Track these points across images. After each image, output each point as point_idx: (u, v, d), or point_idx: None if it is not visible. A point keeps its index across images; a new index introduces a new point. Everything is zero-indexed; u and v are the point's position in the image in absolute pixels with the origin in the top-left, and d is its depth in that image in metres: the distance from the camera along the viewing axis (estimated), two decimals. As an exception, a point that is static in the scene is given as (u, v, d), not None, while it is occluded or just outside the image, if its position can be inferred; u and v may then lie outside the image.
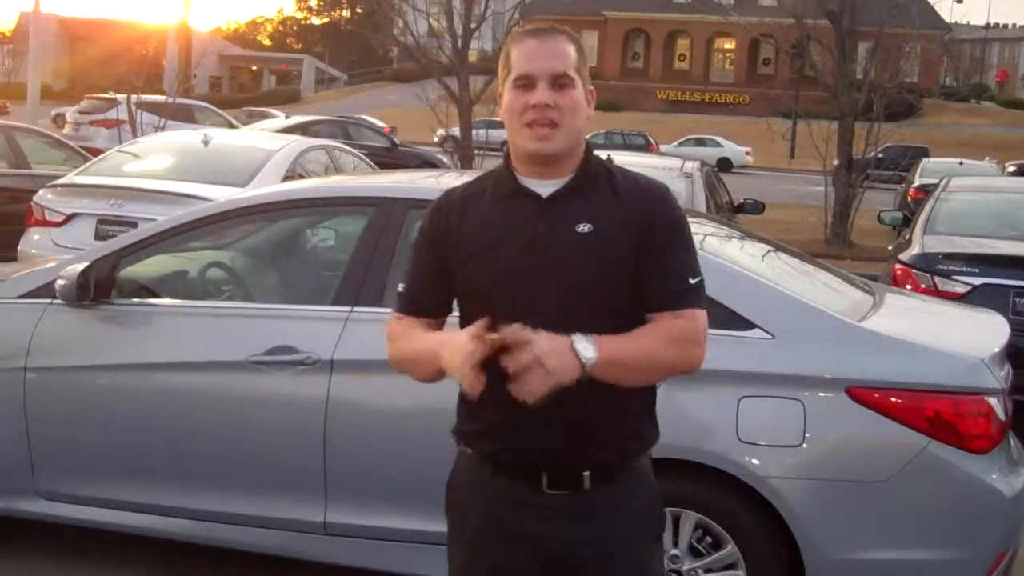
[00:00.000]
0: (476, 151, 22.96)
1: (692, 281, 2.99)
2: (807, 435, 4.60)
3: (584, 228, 2.95)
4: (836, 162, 22.33)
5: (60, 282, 5.40)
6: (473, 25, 23.63)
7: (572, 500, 3.01)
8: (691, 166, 12.19)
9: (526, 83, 2.96)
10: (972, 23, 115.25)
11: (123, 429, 5.40)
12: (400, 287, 3.21)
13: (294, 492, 5.17)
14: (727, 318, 4.62)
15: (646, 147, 49.29)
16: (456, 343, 2.84)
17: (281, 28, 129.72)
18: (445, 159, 27.04)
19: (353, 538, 5.12)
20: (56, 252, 9.36)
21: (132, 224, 9.14)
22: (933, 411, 4.55)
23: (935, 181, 13.46)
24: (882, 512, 4.59)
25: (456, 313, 3.16)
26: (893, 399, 4.58)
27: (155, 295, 5.82)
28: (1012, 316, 8.19)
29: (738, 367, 4.62)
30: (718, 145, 56.95)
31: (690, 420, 4.59)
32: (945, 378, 4.65)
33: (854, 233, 21.95)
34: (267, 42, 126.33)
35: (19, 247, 10.50)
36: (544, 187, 3.01)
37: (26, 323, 5.55)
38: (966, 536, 4.66)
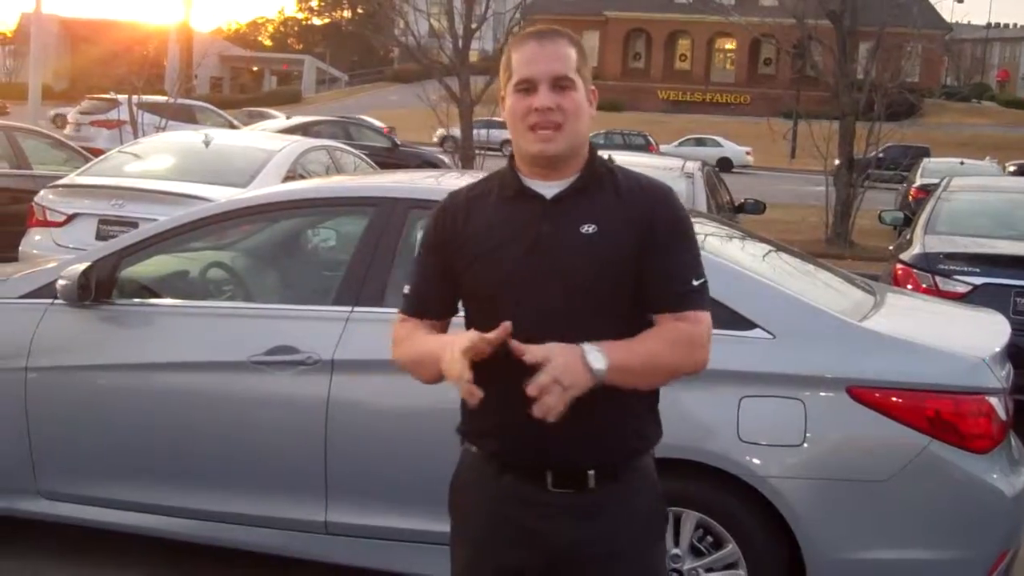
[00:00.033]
0: (477, 151, 22.96)
1: (695, 283, 3.00)
2: (808, 435, 4.60)
3: (588, 229, 2.96)
4: (837, 162, 22.31)
5: (61, 282, 5.41)
6: (474, 25, 23.63)
7: (577, 499, 3.03)
8: (692, 166, 12.19)
9: (528, 87, 2.97)
10: (973, 23, 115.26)
11: (124, 429, 5.40)
12: (405, 289, 3.23)
13: (295, 492, 5.17)
14: (728, 318, 4.62)
15: (646, 147, 49.30)
16: (452, 351, 2.84)
17: (282, 29, 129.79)
18: (446, 159, 27.02)
19: (354, 538, 5.13)
20: (57, 252, 9.35)
21: (133, 224, 9.14)
22: (934, 411, 4.55)
23: (936, 181, 13.45)
24: (883, 512, 4.59)
25: (461, 314, 3.17)
26: (894, 399, 4.58)
27: (156, 295, 5.82)
28: (1013, 316, 8.20)
29: (739, 367, 4.62)
30: (718, 145, 56.96)
31: (691, 420, 4.58)
32: (946, 378, 4.65)
33: (855, 233, 21.94)
34: (268, 43, 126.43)
35: (20, 247, 10.50)
36: (548, 188, 3.02)
37: (27, 323, 5.55)
38: (967, 536, 4.66)
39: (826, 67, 24.77)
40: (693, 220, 3.14)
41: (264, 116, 41.95)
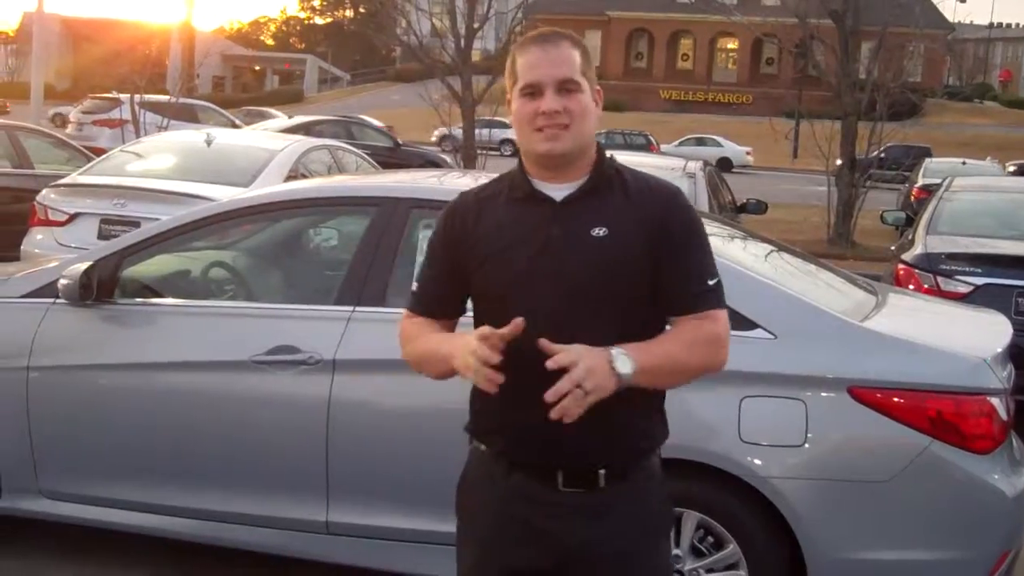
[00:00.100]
0: (479, 151, 22.97)
1: (711, 282, 3.04)
2: (809, 435, 4.60)
3: (599, 232, 2.98)
4: (839, 162, 22.30)
5: (63, 282, 5.41)
6: (476, 25, 23.66)
7: (587, 498, 3.04)
8: (694, 166, 12.18)
9: (533, 91, 2.99)
10: (975, 23, 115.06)
11: (125, 428, 5.41)
12: (413, 286, 3.25)
13: (296, 492, 5.17)
14: (729, 318, 4.61)
15: (647, 147, 49.27)
16: (467, 344, 2.87)
17: (284, 28, 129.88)
18: (448, 159, 27.03)
19: (355, 537, 5.13)
20: (59, 252, 9.36)
21: (135, 224, 9.14)
22: (935, 411, 4.54)
23: (938, 181, 13.45)
24: (884, 512, 4.59)
25: (470, 314, 3.19)
26: (895, 399, 4.57)
27: (158, 295, 5.83)
28: (1014, 316, 8.19)
29: (740, 367, 4.58)
30: (718, 145, 56.94)
31: (692, 420, 4.58)
32: (947, 378, 4.64)
33: (857, 233, 21.94)
34: (270, 42, 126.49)
35: (22, 247, 10.50)
36: (558, 191, 3.04)
37: (29, 322, 5.55)
38: (968, 536, 4.66)
39: (828, 67, 24.74)
40: (695, 221, 3.15)
41: (263, 115, 41.96)
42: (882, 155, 22.33)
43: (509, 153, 45.22)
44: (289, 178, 10.51)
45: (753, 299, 4.80)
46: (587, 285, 2.96)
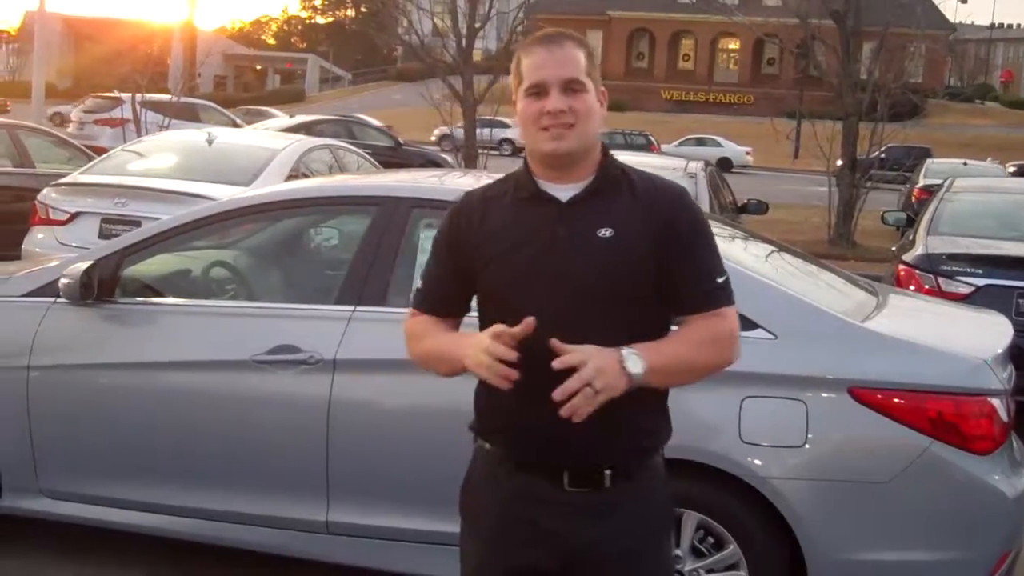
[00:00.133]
0: (481, 151, 22.98)
1: (720, 280, 3.07)
2: (809, 435, 4.60)
3: (606, 233, 2.99)
4: (840, 162, 22.29)
5: (64, 281, 5.41)
6: (477, 24, 23.66)
7: (593, 498, 3.06)
8: (695, 166, 12.18)
9: (538, 91, 3.01)
10: (977, 23, 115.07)
11: (126, 428, 5.41)
12: (418, 283, 3.28)
13: (296, 491, 5.17)
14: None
15: (647, 147, 49.24)
16: (479, 342, 2.90)
17: (286, 27, 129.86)
18: (449, 158, 27.03)
19: (355, 537, 5.13)
20: (60, 251, 9.36)
21: (136, 223, 9.13)
22: (936, 412, 4.54)
23: (939, 182, 13.46)
24: (884, 513, 4.59)
25: (473, 313, 3.21)
26: (896, 400, 4.57)
27: (159, 294, 5.83)
28: (1015, 317, 8.18)
29: (741, 367, 4.57)
30: (718, 145, 56.90)
31: (693, 420, 4.56)
32: (948, 379, 4.64)
33: (858, 233, 21.93)
34: (272, 41, 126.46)
35: (23, 246, 10.49)
36: (563, 191, 3.06)
37: (29, 322, 5.55)
38: (968, 537, 4.66)
39: (829, 67, 24.72)
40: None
41: (262, 115, 41.96)
42: (882, 156, 22.32)
43: (508, 153, 45.24)
44: (290, 177, 10.51)
45: (754, 299, 4.80)
46: (593, 286, 2.98)
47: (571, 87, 3.00)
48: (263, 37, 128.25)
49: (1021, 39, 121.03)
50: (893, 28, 24.50)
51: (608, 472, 3.05)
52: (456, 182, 6.14)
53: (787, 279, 5.32)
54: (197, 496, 5.31)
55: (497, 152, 25.37)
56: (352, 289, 5.23)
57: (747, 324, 4.67)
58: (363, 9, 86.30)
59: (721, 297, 3.07)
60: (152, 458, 5.39)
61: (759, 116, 57.82)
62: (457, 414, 4.76)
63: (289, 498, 5.18)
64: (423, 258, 5.14)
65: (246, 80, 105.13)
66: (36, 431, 5.52)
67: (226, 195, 8.26)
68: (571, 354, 2.81)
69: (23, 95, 45.53)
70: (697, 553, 4.80)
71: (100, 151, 14.83)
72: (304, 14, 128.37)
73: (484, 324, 3.07)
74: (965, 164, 27.56)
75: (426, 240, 5.28)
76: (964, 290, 9.01)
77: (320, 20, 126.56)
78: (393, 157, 24.70)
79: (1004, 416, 4.70)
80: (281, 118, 33.10)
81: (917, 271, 9.32)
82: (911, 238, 10.54)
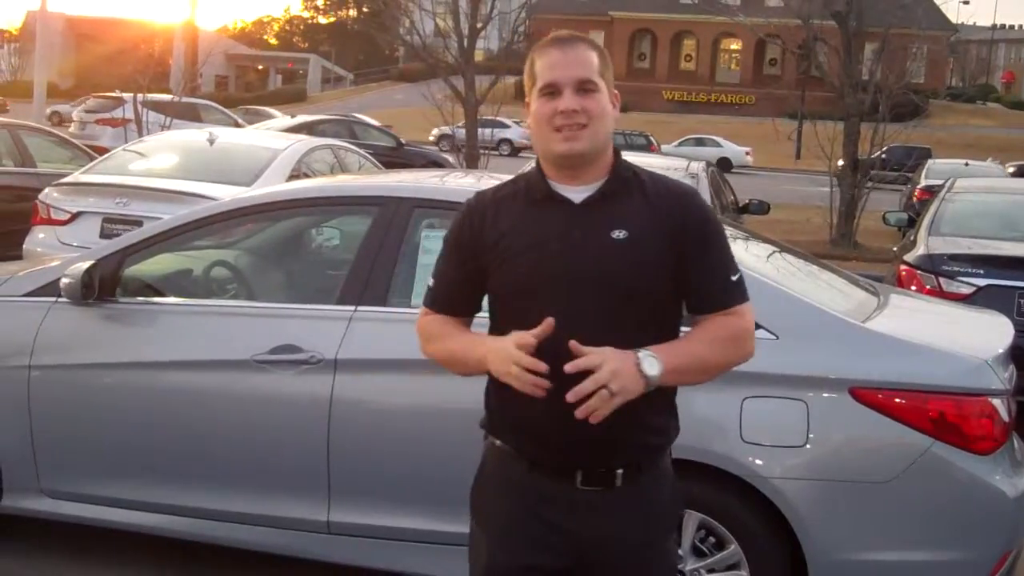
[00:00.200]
0: (482, 151, 22.98)
1: (734, 278, 3.12)
2: (810, 435, 4.59)
3: (619, 235, 3.01)
4: (841, 163, 22.29)
5: (65, 280, 5.41)
6: (479, 25, 23.67)
7: (605, 496, 3.09)
8: (697, 167, 12.20)
9: (552, 91, 3.03)
10: (978, 24, 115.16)
11: (127, 427, 5.41)
12: (430, 282, 3.30)
13: (297, 491, 5.17)
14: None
15: (647, 147, 49.24)
16: (505, 351, 2.92)
17: (287, 27, 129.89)
18: (451, 159, 27.04)
19: (356, 537, 5.13)
20: (61, 250, 9.37)
21: (137, 223, 9.13)
22: (937, 412, 4.54)
23: (940, 182, 13.46)
24: (885, 513, 4.58)
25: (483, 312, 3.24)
26: (897, 400, 4.57)
27: (160, 294, 5.83)
28: (1016, 317, 8.18)
29: (742, 367, 4.58)
30: (717, 145, 56.86)
31: (694, 420, 4.53)
32: (949, 379, 4.64)
33: (859, 234, 21.92)
34: (273, 41, 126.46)
35: (24, 245, 10.50)
36: (576, 193, 3.08)
37: (30, 321, 5.55)
38: (969, 537, 4.66)
39: (831, 68, 24.71)
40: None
41: (261, 115, 41.96)
42: (884, 156, 22.31)
43: (507, 153, 45.23)
44: (292, 177, 10.51)
45: (755, 300, 4.77)
46: (607, 287, 3.00)
47: (584, 87, 3.02)
48: (265, 37, 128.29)
49: (1022, 40, 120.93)
50: (895, 29, 24.51)
51: (620, 471, 3.08)
52: (458, 182, 6.14)
53: (788, 279, 5.32)
54: (198, 496, 5.31)
55: (496, 152, 25.33)
56: (353, 289, 5.23)
57: (748, 324, 4.68)
58: (365, 9, 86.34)
59: (736, 295, 3.12)
60: (153, 458, 5.39)
61: (761, 116, 57.95)
62: (458, 413, 4.78)
63: (290, 498, 5.18)
64: (425, 258, 5.18)
65: (248, 80, 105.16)
66: (37, 431, 5.52)
67: (227, 195, 8.25)
68: (587, 356, 2.84)
69: (25, 95, 45.53)
70: (698, 553, 4.80)
71: (101, 151, 14.84)
72: (306, 14, 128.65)
73: (495, 324, 3.12)
74: (967, 165, 27.56)
75: (428, 240, 5.28)
76: (965, 290, 9.01)
77: (322, 20, 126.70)
78: (395, 157, 24.71)
79: (1005, 416, 4.70)
80: (282, 118, 33.08)
81: (918, 271, 9.32)
82: (912, 238, 10.54)
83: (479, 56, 27.89)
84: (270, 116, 39.59)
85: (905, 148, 25.18)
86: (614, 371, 2.82)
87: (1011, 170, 36.72)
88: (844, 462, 4.63)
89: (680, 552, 4.77)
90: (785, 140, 46.64)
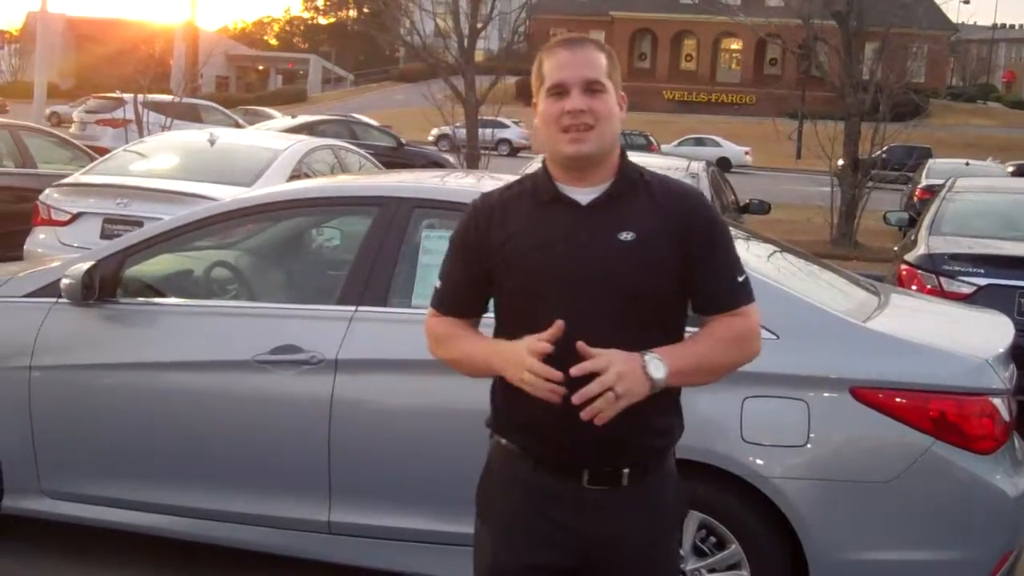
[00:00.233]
0: (483, 151, 22.99)
1: (740, 279, 3.13)
2: (811, 435, 4.60)
3: (627, 236, 3.03)
4: (841, 162, 22.29)
5: (65, 281, 5.41)
6: (479, 25, 23.70)
7: (611, 495, 3.10)
8: (697, 166, 12.20)
9: (560, 91, 3.04)
10: (979, 23, 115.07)
11: (127, 428, 5.41)
12: (436, 284, 3.29)
13: (298, 491, 5.17)
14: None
15: (647, 147, 49.24)
16: (518, 357, 2.94)
17: (288, 28, 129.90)
18: (451, 159, 27.06)
19: (357, 537, 5.13)
20: (62, 251, 9.37)
21: (138, 223, 9.13)
22: (937, 411, 4.54)
23: (941, 182, 13.46)
24: (886, 512, 4.58)
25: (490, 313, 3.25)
26: (897, 399, 4.57)
27: (160, 294, 5.83)
28: (1017, 317, 8.17)
29: (742, 367, 4.61)
30: (717, 145, 56.86)
31: (695, 420, 4.51)
32: (950, 379, 4.64)
33: (860, 233, 21.92)
34: (274, 42, 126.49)
35: (25, 246, 10.50)
36: (583, 195, 3.09)
37: (31, 322, 5.56)
38: (970, 537, 4.66)
39: (832, 68, 24.72)
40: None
41: (260, 115, 41.94)
42: (884, 156, 22.32)
43: (506, 153, 45.21)
44: (292, 178, 10.50)
45: (756, 299, 4.79)
46: (615, 289, 3.01)
47: (592, 88, 3.03)
48: (265, 37, 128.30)
49: (1023, 39, 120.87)
50: (895, 28, 24.51)
51: (627, 471, 3.10)
52: (458, 183, 6.15)
53: (789, 279, 5.32)
54: (199, 496, 5.31)
55: (495, 152, 25.37)
56: (354, 289, 5.23)
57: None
58: (365, 10, 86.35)
59: (742, 296, 3.13)
60: (153, 458, 5.39)
61: (761, 116, 57.87)
62: (459, 414, 4.79)
63: (291, 498, 5.18)
64: (425, 259, 5.18)
65: (248, 81, 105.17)
66: (38, 431, 5.52)
67: (228, 195, 8.26)
68: (593, 359, 2.86)
69: (25, 95, 45.54)
70: (699, 552, 4.81)
71: (102, 151, 14.84)
72: (306, 15, 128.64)
73: (501, 325, 3.14)
74: (967, 164, 27.56)
75: (428, 240, 5.29)
76: (966, 290, 9.01)
77: (322, 21, 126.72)
78: (395, 157, 24.70)
79: (1006, 416, 4.70)
80: (282, 119, 33.06)
81: (919, 271, 9.32)
82: (913, 238, 10.54)
83: (479, 56, 27.92)
84: (269, 116, 39.57)
85: (906, 148, 25.19)
86: (620, 374, 2.85)
87: (1010, 169, 36.74)
88: (845, 462, 4.63)
89: (681, 552, 4.77)
90: (786, 140, 46.70)
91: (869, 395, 4.57)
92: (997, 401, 4.66)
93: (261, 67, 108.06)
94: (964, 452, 4.56)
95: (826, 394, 4.64)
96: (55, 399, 5.51)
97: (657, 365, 2.91)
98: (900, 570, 4.66)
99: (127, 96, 23.64)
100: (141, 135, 18.99)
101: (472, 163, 22.53)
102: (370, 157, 13.58)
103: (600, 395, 2.84)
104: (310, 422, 5.07)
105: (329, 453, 5.06)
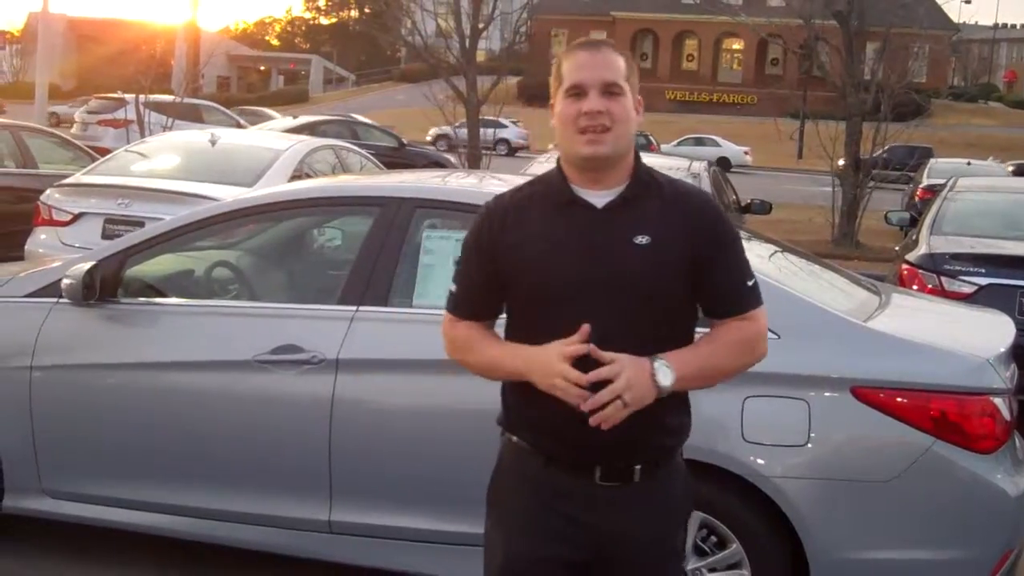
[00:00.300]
0: (484, 151, 23.00)
1: (749, 283, 3.17)
2: (812, 435, 4.60)
3: (642, 240, 3.05)
4: (842, 162, 22.29)
5: (66, 281, 5.41)
6: (481, 25, 23.71)
7: (623, 490, 3.14)
8: (698, 166, 12.21)
9: (578, 92, 3.07)
10: (980, 23, 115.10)
11: (128, 428, 5.41)
12: (452, 287, 3.30)
13: (299, 491, 5.17)
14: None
15: (647, 147, 49.24)
16: (546, 362, 2.98)
17: (289, 28, 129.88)
18: (452, 159, 27.06)
19: (358, 537, 5.13)
20: (63, 251, 9.38)
21: (139, 223, 9.13)
22: (938, 411, 4.54)
23: (942, 181, 13.45)
24: (887, 512, 4.58)
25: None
26: (898, 399, 4.57)
27: (161, 294, 5.83)
28: (1018, 316, 8.17)
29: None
30: (716, 144, 56.81)
31: (695, 420, 4.55)
32: (950, 378, 4.64)
33: (862, 233, 21.91)
34: (275, 42, 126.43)
35: (26, 246, 10.51)
36: (598, 197, 3.11)
37: (32, 322, 5.56)
38: (970, 536, 4.66)
39: (833, 68, 24.72)
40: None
41: (259, 115, 41.92)
42: (885, 155, 22.31)
43: (504, 153, 45.21)
44: (293, 178, 10.50)
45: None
46: (629, 291, 3.04)
47: (610, 90, 3.05)
48: (267, 38, 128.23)
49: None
50: (896, 28, 24.50)
51: (638, 468, 3.13)
52: (460, 183, 6.15)
53: (790, 279, 5.32)
54: (200, 496, 5.31)
55: (493, 152, 25.40)
56: (355, 289, 5.23)
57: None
58: (367, 10, 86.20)
59: (752, 300, 3.16)
60: (154, 458, 5.39)
61: (763, 116, 57.93)
62: (459, 413, 4.79)
63: (292, 498, 5.18)
64: (427, 259, 5.18)
65: (250, 81, 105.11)
66: (38, 431, 5.52)
67: (229, 196, 8.26)
68: (606, 367, 2.90)
69: (27, 96, 45.55)
70: (700, 552, 4.80)
71: (103, 152, 14.84)
72: (308, 15, 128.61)
73: (514, 326, 3.18)
74: (969, 164, 27.55)
75: (429, 241, 5.29)
76: (967, 290, 9.00)
77: (324, 21, 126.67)
78: (396, 157, 24.70)
79: (1007, 415, 4.70)
80: (281, 119, 33.05)
81: (920, 271, 9.32)
82: (914, 238, 10.54)
83: (481, 56, 27.93)
84: (268, 117, 39.56)
85: (907, 148, 25.17)
86: (630, 382, 2.90)
87: (1010, 169, 36.75)
88: (845, 461, 4.63)
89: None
90: (787, 140, 46.73)
91: (870, 395, 4.57)
92: (998, 401, 4.66)
93: (263, 67, 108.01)
94: (965, 452, 4.56)
95: (827, 394, 4.64)
96: (56, 399, 5.51)
97: (665, 373, 2.96)
98: (901, 569, 4.65)
99: (128, 96, 23.64)
100: (142, 135, 18.99)
101: (473, 163, 22.53)
102: (371, 157, 13.58)
103: (609, 402, 2.89)
104: (311, 422, 5.07)
105: (330, 453, 5.06)
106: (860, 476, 4.60)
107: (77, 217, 10.41)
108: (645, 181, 3.14)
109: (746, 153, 56.19)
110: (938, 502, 4.62)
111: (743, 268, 3.17)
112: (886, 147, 21.77)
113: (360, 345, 5.06)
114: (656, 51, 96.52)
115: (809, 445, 4.60)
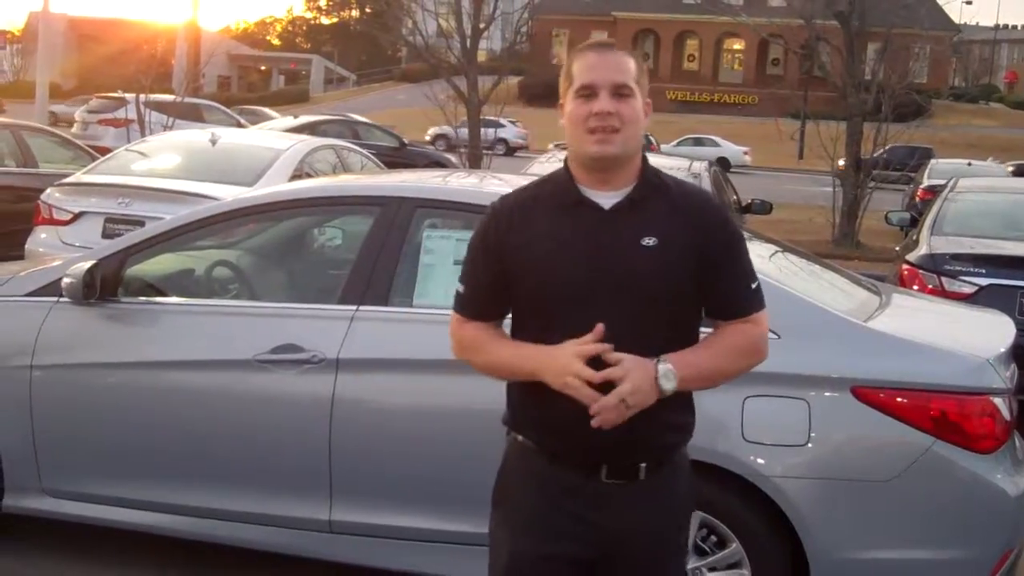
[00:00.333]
0: (484, 151, 23.00)
1: (753, 286, 3.20)
2: (812, 435, 4.60)
3: (650, 242, 3.07)
4: (843, 162, 22.28)
5: (66, 280, 5.41)
6: (482, 25, 23.71)
7: (628, 488, 3.15)
8: (699, 166, 12.20)
9: (589, 93, 3.08)
10: (981, 24, 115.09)
11: (128, 427, 5.41)
12: (460, 288, 3.30)
13: (299, 490, 5.17)
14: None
15: (648, 147, 49.22)
16: (562, 363, 2.98)
17: (290, 28, 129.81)
18: (453, 159, 27.06)
19: (358, 536, 5.13)
20: (63, 250, 9.37)
21: (139, 223, 9.12)
22: (938, 411, 4.54)
23: (943, 182, 13.46)
24: (887, 512, 4.59)
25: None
26: (898, 399, 4.58)
27: (161, 293, 5.83)
28: (1018, 316, 8.17)
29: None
30: (716, 145, 56.80)
31: (696, 419, 4.58)
32: (950, 378, 4.64)
33: (862, 233, 21.91)
34: (276, 42, 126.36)
35: (26, 245, 10.50)
36: (605, 198, 3.12)
37: (32, 321, 5.56)
38: (970, 536, 4.66)
39: (834, 68, 24.74)
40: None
41: (258, 115, 41.90)
42: (886, 156, 22.31)
43: (502, 152, 45.18)
44: (294, 178, 10.50)
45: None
46: (635, 292, 3.05)
47: (620, 92, 3.07)
48: (268, 37, 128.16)
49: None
50: (897, 29, 24.50)
51: (644, 466, 3.15)
52: (460, 183, 6.15)
53: (790, 279, 5.32)
54: (200, 495, 5.32)
55: (492, 151, 25.44)
56: (355, 289, 5.23)
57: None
58: (368, 10, 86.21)
59: (755, 303, 3.19)
60: (154, 457, 5.39)
61: (763, 116, 57.93)
62: (460, 413, 4.80)
63: (292, 497, 5.19)
64: (427, 258, 5.19)
65: (251, 81, 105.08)
66: (39, 430, 5.52)
67: (230, 195, 8.26)
68: (613, 369, 2.92)
69: (27, 95, 45.53)
70: (700, 551, 4.80)
71: (104, 151, 14.82)
72: (309, 15, 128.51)
73: (520, 327, 3.19)
74: (969, 164, 27.53)
75: (430, 240, 5.29)
76: (967, 290, 9.01)
77: (325, 21, 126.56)
78: (397, 157, 24.70)
79: (1007, 415, 4.70)
80: (281, 119, 33.04)
81: (921, 271, 9.32)
82: (915, 238, 10.55)
83: (482, 56, 27.95)
84: (268, 117, 39.56)
85: (908, 148, 25.16)
86: (634, 385, 2.92)
87: (1010, 169, 36.74)
88: (845, 461, 4.64)
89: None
90: (788, 140, 46.69)
91: (870, 394, 4.58)
92: (998, 400, 4.66)
93: (263, 67, 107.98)
94: (965, 451, 4.56)
95: (827, 393, 4.64)
96: (56, 398, 5.52)
97: (668, 377, 2.98)
98: (901, 569, 4.66)
99: (129, 96, 23.64)
100: (143, 135, 18.99)
101: (474, 163, 22.54)
102: (372, 157, 13.58)
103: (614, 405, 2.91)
104: (311, 421, 5.08)
105: (330, 452, 5.06)
106: (860, 476, 4.60)
107: (77, 216, 10.41)
108: (653, 183, 3.15)
109: (745, 153, 56.17)
110: (938, 502, 4.62)
111: (748, 271, 3.20)
112: (887, 147, 21.77)
113: (360, 345, 5.06)
114: (657, 51, 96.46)
115: (809, 445, 4.60)
